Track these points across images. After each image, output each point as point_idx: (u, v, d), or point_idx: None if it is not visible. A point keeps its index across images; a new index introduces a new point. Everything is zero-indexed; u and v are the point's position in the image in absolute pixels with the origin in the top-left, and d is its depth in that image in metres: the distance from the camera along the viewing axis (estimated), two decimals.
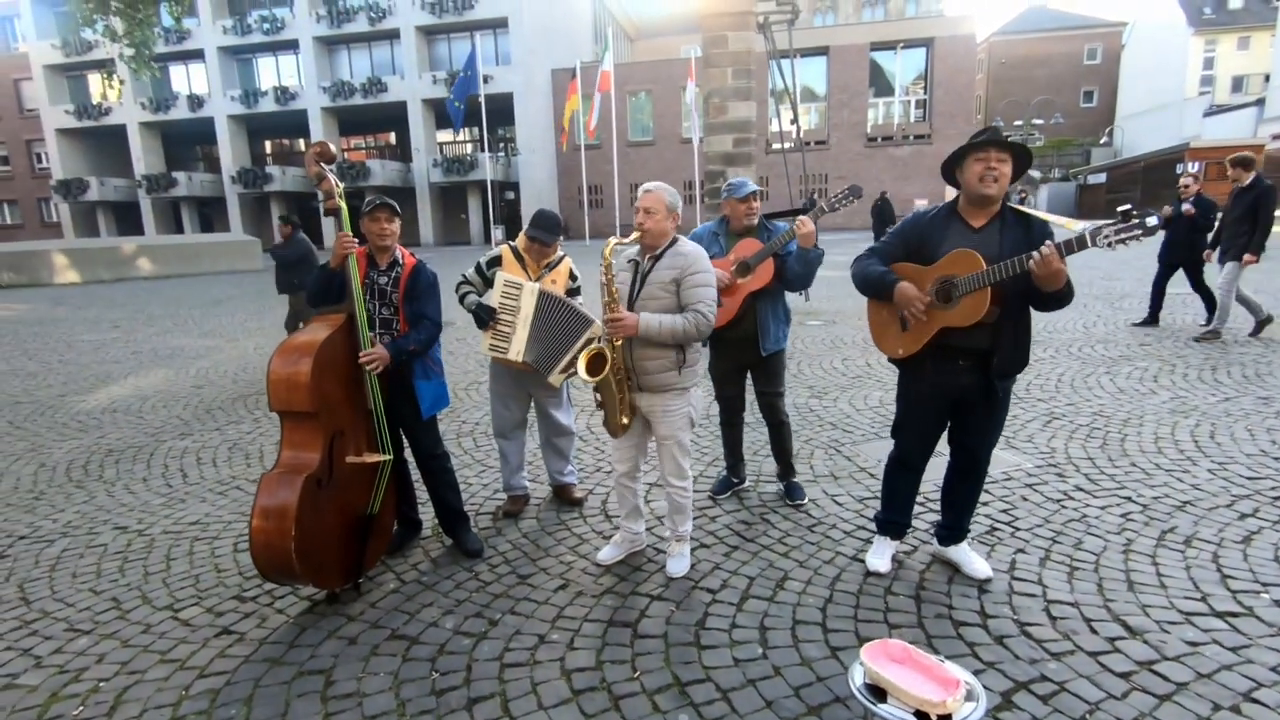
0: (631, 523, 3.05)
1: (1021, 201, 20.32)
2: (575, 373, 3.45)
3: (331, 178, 2.81)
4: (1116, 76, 46.07)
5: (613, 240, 2.73)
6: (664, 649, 2.42)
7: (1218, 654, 2.25)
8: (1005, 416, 2.71)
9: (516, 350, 3.26)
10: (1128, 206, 2.26)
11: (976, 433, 2.68)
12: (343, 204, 2.81)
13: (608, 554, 3.03)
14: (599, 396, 2.83)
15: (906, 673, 1.70)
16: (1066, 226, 2.45)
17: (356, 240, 2.83)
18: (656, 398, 2.80)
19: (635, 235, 2.75)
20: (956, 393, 2.61)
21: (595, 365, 2.73)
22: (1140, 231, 2.15)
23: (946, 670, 1.72)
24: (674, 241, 2.77)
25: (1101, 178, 35.48)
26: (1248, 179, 6.42)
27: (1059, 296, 2.37)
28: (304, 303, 7.17)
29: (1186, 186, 7.37)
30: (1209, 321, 7.02)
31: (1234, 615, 2.45)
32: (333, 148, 2.83)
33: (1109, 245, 2.20)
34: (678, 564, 2.92)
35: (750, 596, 2.72)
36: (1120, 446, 4.09)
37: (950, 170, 2.55)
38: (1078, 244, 2.27)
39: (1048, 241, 2.29)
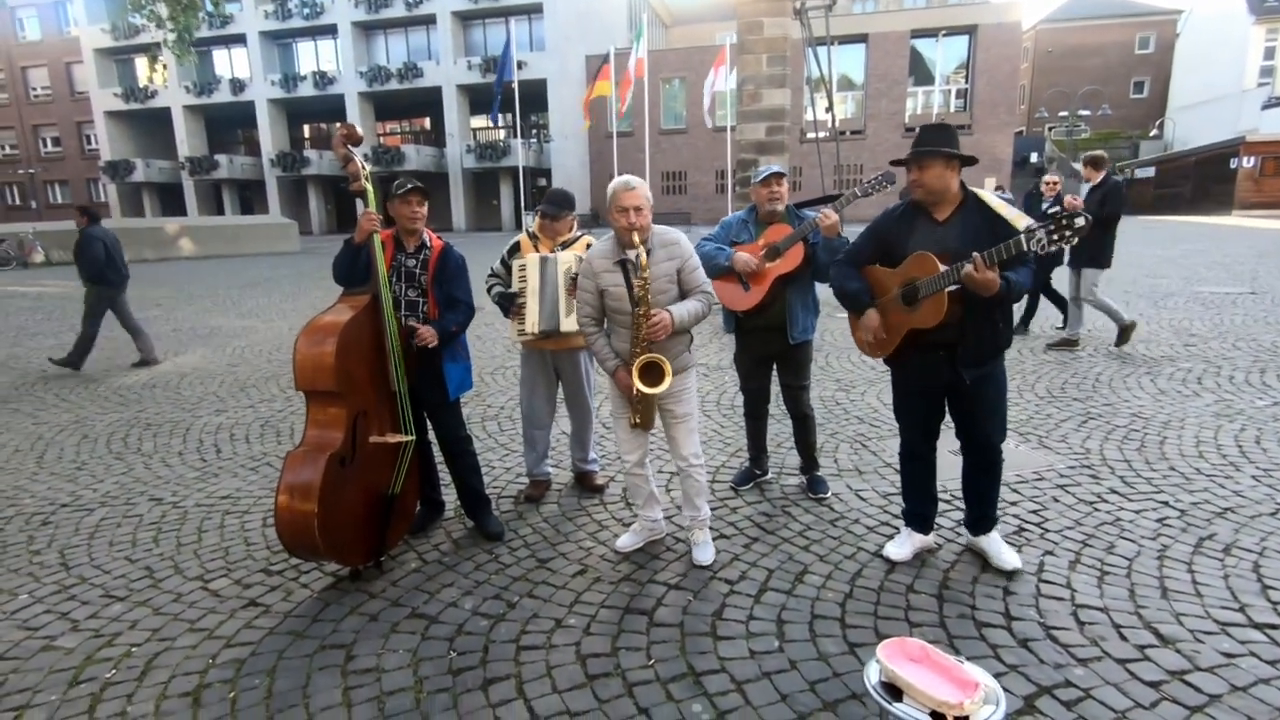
0: (650, 510, 3.04)
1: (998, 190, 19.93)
2: None
3: (358, 159, 2.84)
4: (1169, 66, 44.17)
5: (642, 248, 2.63)
6: (679, 638, 2.41)
7: (1255, 667, 2.17)
8: (1002, 404, 2.70)
9: (532, 322, 3.28)
10: (1057, 209, 2.28)
11: (973, 421, 2.70)
12: (369, 185, 2.85)
13: (626, 541, 3.04)
14: (640, 405, 2.77)
15: (924, 672, 1.67)
16: (1014, 223, 2.37)
17: (380, 219, 2.85)
18: (675, 380, 2.79)
19: (638, 237, 2.64)
20: (940, 383, 2.64)
21: (653, 374, 2.66)
22: (1070, 233, 2.18)
23: (965, 672, 1.68)
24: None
25: (1150, 172, 34.17)
26: (1098, 177, 6.17)
27: (999, 301, 2.40)
28: (98, 297, 6.84)
29: (1051, 184, 7.09)
30: (1065, 325, 6.80)
31: (1274, 627, 2.36)
32: (359, 130, 2.87)
33: (1042, 249, 2.23)
34: (704, 552, 2.91)
35: (769, 589, 2.70)
36: (1159, 449, 3.96)
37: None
38: (1015, 247, 2.27)
39: (974, 253, 2.28)
